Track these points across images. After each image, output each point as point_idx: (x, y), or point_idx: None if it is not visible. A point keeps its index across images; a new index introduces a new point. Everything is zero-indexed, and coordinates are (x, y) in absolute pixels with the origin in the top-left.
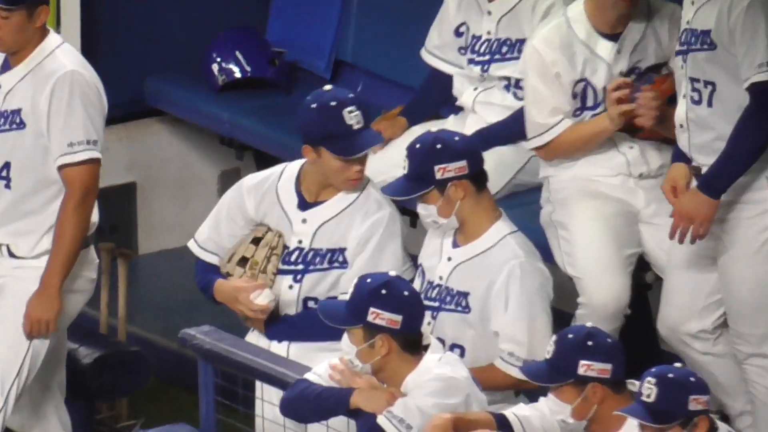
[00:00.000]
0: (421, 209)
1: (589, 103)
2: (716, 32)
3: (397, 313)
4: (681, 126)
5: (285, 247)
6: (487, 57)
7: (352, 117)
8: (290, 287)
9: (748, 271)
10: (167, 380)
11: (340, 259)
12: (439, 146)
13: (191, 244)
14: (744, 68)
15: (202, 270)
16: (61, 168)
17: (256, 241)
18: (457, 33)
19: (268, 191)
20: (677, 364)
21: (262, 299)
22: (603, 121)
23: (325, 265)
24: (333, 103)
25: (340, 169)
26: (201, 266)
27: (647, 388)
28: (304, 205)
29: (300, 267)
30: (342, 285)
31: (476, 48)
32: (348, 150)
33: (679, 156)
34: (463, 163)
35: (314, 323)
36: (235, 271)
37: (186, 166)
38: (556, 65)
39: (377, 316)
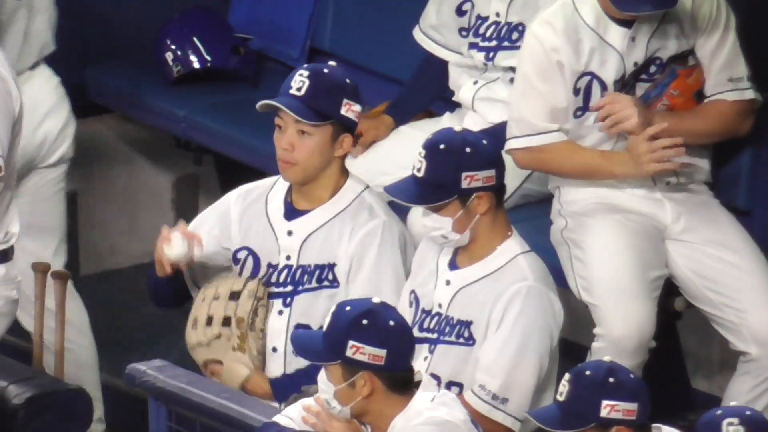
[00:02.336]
0: (431, 221)
1: (594, 101)
2: None
3: (380, 347)
4: None
5: (269, 294)
6: (493, 43)
7: (296, 78)
8: (280, 312)
9: None
10: (112, 425)
11: (330, 276)
12: (468, 150)
13: None
14: None
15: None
16: None
17: (235, 295)
18: (460, 11)
19: (257, 200)
20: (748, 412)
21: (174, 249)
22: (618, 166)
23: (314, 284)
24: (306, 65)
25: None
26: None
27: (735, 428)
28: (290, 214)
29: (289, 288)
30: None
31: (480, 31)
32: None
33: None
34: (491, 172)
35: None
36: (223, 334)
37: (135, 173)
38: (557, 53)
39: (358, 350)
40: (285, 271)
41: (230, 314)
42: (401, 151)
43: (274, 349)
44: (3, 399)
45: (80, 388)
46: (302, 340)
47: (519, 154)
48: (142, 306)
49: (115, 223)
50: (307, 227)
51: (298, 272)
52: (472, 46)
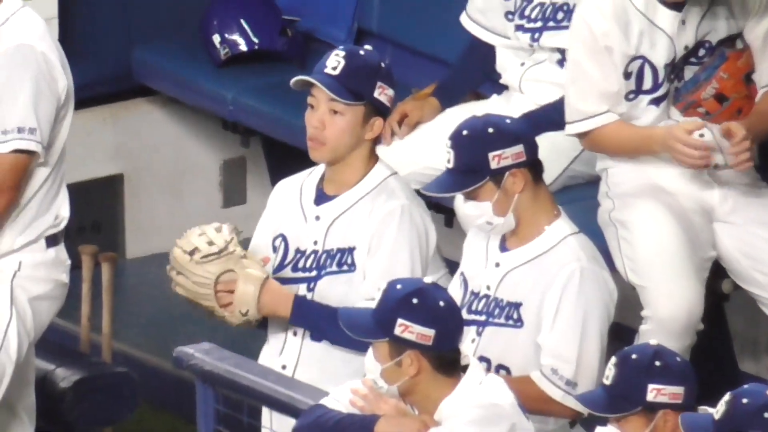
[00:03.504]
0: (472, 209)
1: (647, 85)
2: None
3: (429, 327)
4: None
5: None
6: (539, 24)
7: (331, 58)
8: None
9: None
10: (159, 407)
11: (349, 260)
12: (491, 130)
13: None
14: None
15: None
16: None
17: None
18: None
19: (293, 188)
20: None
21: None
22: (654, 144)
23: (335, 268)
24: (343, 47)
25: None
26: None
27: (720, 404)
28: (319, 199)
29: (314, 273)
30: (351, 298)
31: (526, 12)
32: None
33: None
34: (519, 148)
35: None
36: (228, 248)
37: (182, 155)
38: (606, 37)
39: (406, 329)
40: (312, 256)
41: (223, 238)
42: (448, 131)
43: (295, 333)
44: (51, 382)
45: (127, 371)
46: (351, 316)
47: (583, 141)
48: None
49: (162, 205)
50: (333, 212)
51: (323, 257)
52: (518, 28)
